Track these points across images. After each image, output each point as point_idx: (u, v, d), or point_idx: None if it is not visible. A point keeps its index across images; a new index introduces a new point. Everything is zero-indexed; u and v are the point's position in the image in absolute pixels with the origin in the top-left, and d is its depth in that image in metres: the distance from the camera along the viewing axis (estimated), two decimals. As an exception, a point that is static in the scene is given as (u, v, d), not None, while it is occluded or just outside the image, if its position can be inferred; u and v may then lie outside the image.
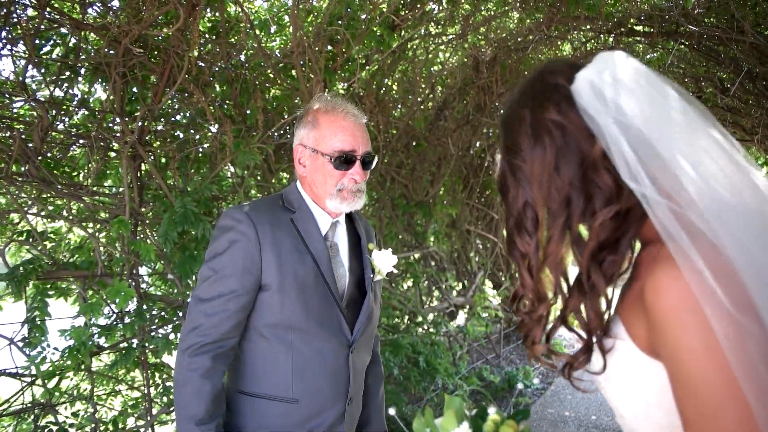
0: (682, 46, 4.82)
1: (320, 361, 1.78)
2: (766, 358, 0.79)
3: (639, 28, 5.03)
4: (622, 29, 4.83)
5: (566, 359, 1.05)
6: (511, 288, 7.70)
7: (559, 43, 5.81)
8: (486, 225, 7.68)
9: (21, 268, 2.59)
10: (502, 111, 1.01)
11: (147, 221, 3.43)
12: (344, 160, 1.81)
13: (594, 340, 1.01)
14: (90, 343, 2.83)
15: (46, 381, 2.74)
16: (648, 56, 5.57)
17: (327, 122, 1.84)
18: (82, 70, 3.06)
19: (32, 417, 2.78)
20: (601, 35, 5.30)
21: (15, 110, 3.06)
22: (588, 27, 5.07)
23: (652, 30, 4.57)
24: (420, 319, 5.99)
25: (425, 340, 5.60)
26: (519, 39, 5.31)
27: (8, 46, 2.60)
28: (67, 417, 2.89)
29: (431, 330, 6.12)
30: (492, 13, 4.95)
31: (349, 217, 2.04)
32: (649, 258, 0.96)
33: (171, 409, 3.34)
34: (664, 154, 0.88)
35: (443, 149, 6.30)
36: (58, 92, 3.04)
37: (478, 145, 7.12)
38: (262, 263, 1.73)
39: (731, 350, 0.80)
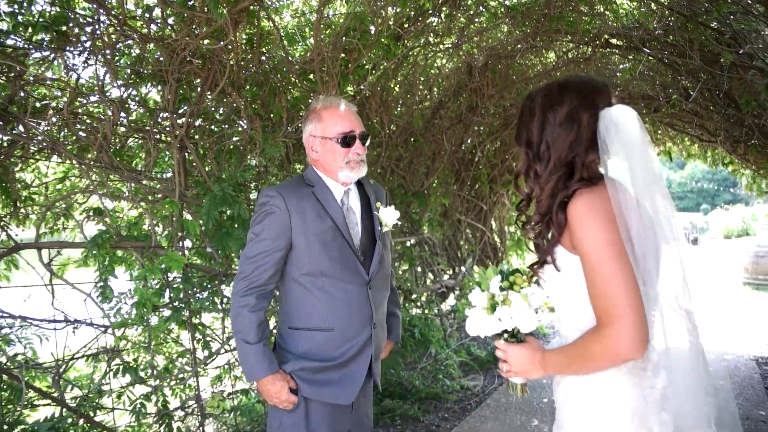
0: (651, 58, 5.48)
1: (346, 298, 2.34)
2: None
3: (614, 41, 5.69)
4: (598, 42, 5.48)
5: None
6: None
7: (543, 51, 6.47)
8: (475, 215, 8.29)
9: (100, 237, 3.19)
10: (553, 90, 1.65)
11: (187, 202, 4.02)
12: (346, 139, 2.34)
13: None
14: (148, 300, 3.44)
15: (116, 330, 3.35)
16: (621, 66, 6.24)
17: (327, 114, 2.37)
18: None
19: (105, 360, 3.40)
20: (581, 46, 5.96)
21: (84, 107, 3.64)
22: (569, 39, 5.71)
23: (623, 44, 5.24)
24: (414, 296, 6.62)
25: (420, 316, 6.25)
26: (508, 48, 5.94)
27: (91, 56, 3.19)
28: (128, 363, 3.50)
29: (426, 310, 6.76)
30: (484, 25, 5.58)
31: (360, 185, 2.53)
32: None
33: (209, 361, 3.97)
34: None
35: (438, 145, 6.93)
36: (122, 93, 3.65)
37: (469, 141, 7.72)
38: (292, 227, 2.29)
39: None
